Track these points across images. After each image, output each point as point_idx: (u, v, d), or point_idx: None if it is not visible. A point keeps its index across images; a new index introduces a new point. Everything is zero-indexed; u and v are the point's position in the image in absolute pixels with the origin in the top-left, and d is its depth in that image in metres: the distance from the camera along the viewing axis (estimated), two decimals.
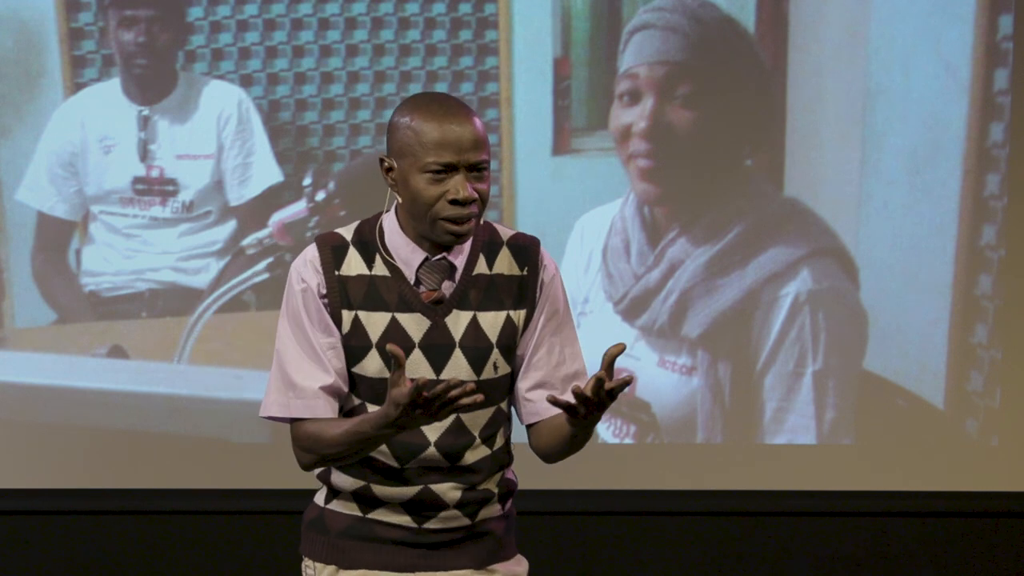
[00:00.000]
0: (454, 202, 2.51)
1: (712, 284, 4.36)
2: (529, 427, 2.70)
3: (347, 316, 2.59)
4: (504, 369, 2.63)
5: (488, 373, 2.61)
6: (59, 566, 4.56)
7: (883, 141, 4.34)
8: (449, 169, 2.51)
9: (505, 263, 2.63)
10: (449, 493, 2.63)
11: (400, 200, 2.58)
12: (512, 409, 2.72)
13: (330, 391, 2.61)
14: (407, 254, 2.59)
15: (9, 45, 4.42)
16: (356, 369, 2.60)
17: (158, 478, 4.50)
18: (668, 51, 4.32)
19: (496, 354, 2.61)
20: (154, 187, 4.46)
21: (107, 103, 4.44)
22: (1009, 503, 4.47)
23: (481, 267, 2.62)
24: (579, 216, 4.38)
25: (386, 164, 2.59)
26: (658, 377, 4.40)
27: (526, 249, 2.66)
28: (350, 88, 4.39)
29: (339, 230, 2.65)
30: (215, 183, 4.45)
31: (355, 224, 2.65)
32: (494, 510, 2.70)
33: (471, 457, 2.63)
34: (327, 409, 2.60)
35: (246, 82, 4.41)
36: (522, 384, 2.67)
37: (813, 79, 4.34)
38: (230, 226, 4.47)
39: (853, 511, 4.48)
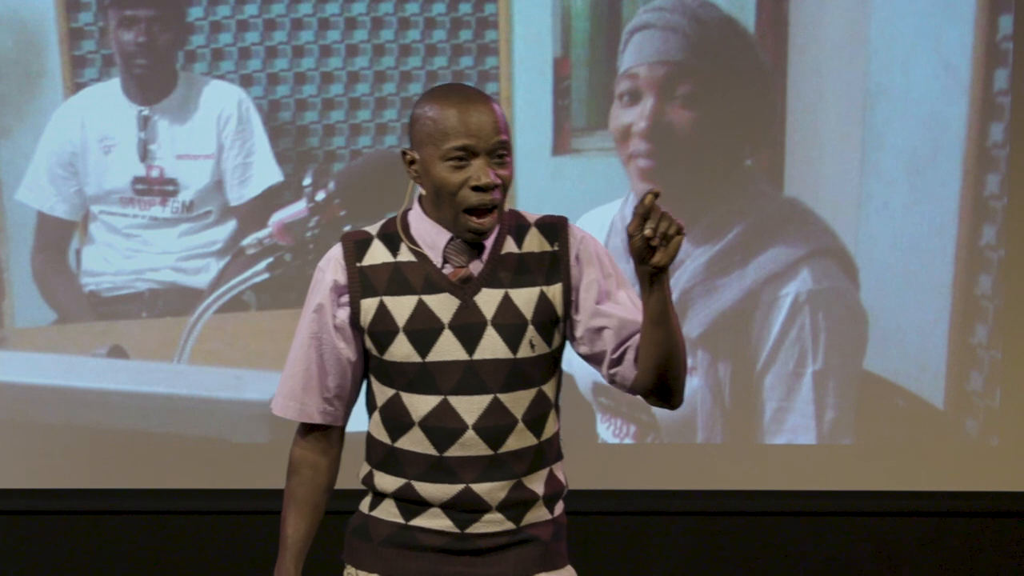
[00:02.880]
0: (476, 188, 2.51)
1: (712, 284, 4.36)
2: (634, 384, 2.59)
3: (370, 304, 2.58)
4: (542, 348, 2.59)
5: (525, 351, 2.57)
6: (59, 566, 4.56)
7: (883, 141, 4.34)
8: (470, 155, 2.50)
9: (535, 242, 2.61)
10: (491, 494, 2.59)
11: (423, 192, 2.58)
12: (557, 401, 2.66)
13: (320, 389, 2.65)
14: (433, 237, 2.58)
15: (9, 45, 4.42)
16: (385, 356, 2.59)
17: (158, 478, 4.50)
18: (668, 51, 4.32)
19: (532, 331, 2.57)
20: (154, 187, 4.46)
21: (107, 103, 4.44)
22: (1009, 503, 4.47)
23: (510, 247, 2.60)
24: (579, 216, 4.38)
25: (408, 156, 2.58)
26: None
27: (554, 226, 2.63)
28: (350, 88, 4.39)
29: (365, 227, 2.65)
30: (215, 183, 4.45)
31: (382, 221, 2.66)
32: (540, 514, 2.65)
33: (514, 443, 2.59)
34: (310, 410, 2.67)
35: (246, 82, 4.41)
36: (611, 356, 2.58)
37: (813, 79, 4.34)
38: (230, 226, 4.47)
39: (853, 511, 4.48)
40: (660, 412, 4.40)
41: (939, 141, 4.33)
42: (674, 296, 4.33)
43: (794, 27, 4.33)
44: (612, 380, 2.63)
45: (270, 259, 4.45)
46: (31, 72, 4.43)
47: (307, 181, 4.43)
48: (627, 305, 2.61)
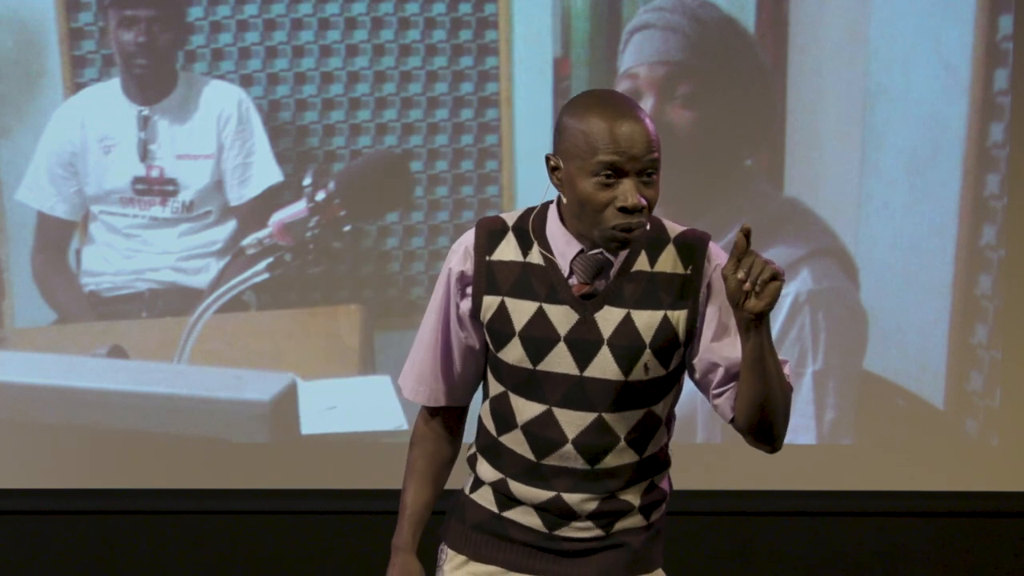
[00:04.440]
0: (623, 210, 2.42)
1: None
2: (732, 422, 2.60)
3: (491, 301, 2.55)
4: (657, 371, 2.54)
5: (638, 374, 2.52)
6: (59, 566, 4.56)
7: (883, 141, 4.34)
8: (618, 173, 2.41)
9: (669, 261, 2.52)
10: (582, 505, 2.58)
11: (565, 201, 2.50)
12: (670, 414, 2.64)
13: (445, 375, 2.64)
14: (563, 245, 2.52)
15: (9, 45, 4.42)
16: (500, 354, 2.56)
17: (158, 478, 4.50)
18: (668, 51, 4.32)
19: (649, 355, 2.51)
20: (154, 187, 4.46)
21: (107, 103, 4.44)
22: (1009, 503, 4.47)
23: (642, 264, 2.52)
24: None
25: (552, 163, 2.51)
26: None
27: (692, 247, 2.53)
28: (350, 88, 4.39)
29: (503, 215, 2.60)
30: (215, 183, 4.45)
31: (521, 210, 2.61)
32: (634, 521, 2.63)
33: (613, 461, 2.56)
34: (439, 394, 2.65)
35: (246, 82, 4.41)
36: (714, 390, 2.58)
37: (813, 79, 4.34)
38: (230, 226, 4.47)
39: (853, 511, 4.48)
40: None
41: (939, 141, 4.33)
42: None
43: (794, 27, 4.33)
44: (715, 409, 2.62)
45: (270, 259, 4.45)
46: (31, 72, 4.43)
47: (307, 181, 4.42)
48: (736, 345, 2.53)
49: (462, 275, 2.58)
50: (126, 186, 4.46)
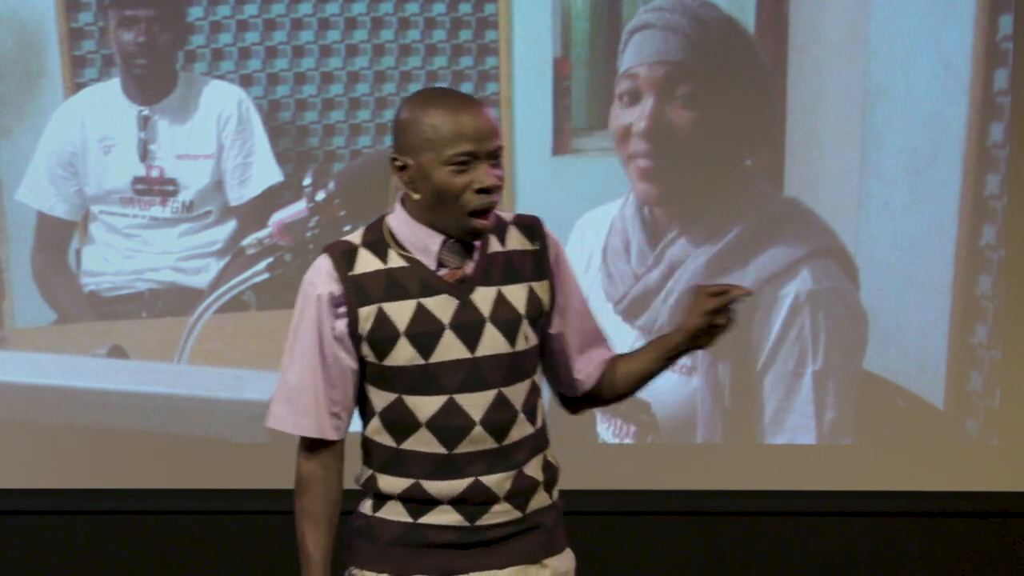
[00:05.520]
0: (482, 191, 2.56)
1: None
2: (595, 391, 2.83)
3: (368, 311, 2.60)
4: (533, 340, 2.69)
5: (521, 344, 2.65)
6: (59, 566, 4.56)
7: (883, 141, 4.34)
8: (472, 159, 2.55)
9: (516, 240, 2.69)
10: (499, 485, 2.65)
11: (417, 197, 2.60)
12: (540, 385, 2.77)
13: (327, 404, 2.66)
14: (424, 241, 2.62)
15: (9, 45, 4.42)
16: (387, 361, 2.61)
17: (158, 478, 4.50)
18: (668, 51, 4.32)
19: (525, 325, 2.66)
20: (154, 187, 4.46)
21: (107, 103, 4.44)
22: (1009, 503, 4.47)
23: (495, 246, 2.67)
24: (579, 216, 4.38)
25: (399, 162, 2.60)
26: (658, 377, 4.40)
27: (531, 226, 2.73)
28: (350, 88, 4.39)
29: (345, 238, 2.67)
30: (215, 183, 4.46)
31: (359, 230, 2.68)
32: (542, 500, 2.73)
33: (516, 434, 2.66)
34: (324, 425, 2.67)
35: (246, 82, 4.41)
36: (573, 355, 2.78)
37: (813, 79, 4.34)
38: (230, 226, 4.47)
39: (853, 511, 4.48)
40: (660, 412, 4.40)
41: (939, 141, 4.33)
42: (674, 296, 4.35)
43: (794, 27, 4.33)
44: (569, 381, 2.81)
45: (270, 259, 4.45)
46: (31, 72, 4.44)
47: (307, 181, 4.43)
48: (589, 313, 2.80)
49: (331, 296, 2.62)
50: (126, 186, 4.46)
